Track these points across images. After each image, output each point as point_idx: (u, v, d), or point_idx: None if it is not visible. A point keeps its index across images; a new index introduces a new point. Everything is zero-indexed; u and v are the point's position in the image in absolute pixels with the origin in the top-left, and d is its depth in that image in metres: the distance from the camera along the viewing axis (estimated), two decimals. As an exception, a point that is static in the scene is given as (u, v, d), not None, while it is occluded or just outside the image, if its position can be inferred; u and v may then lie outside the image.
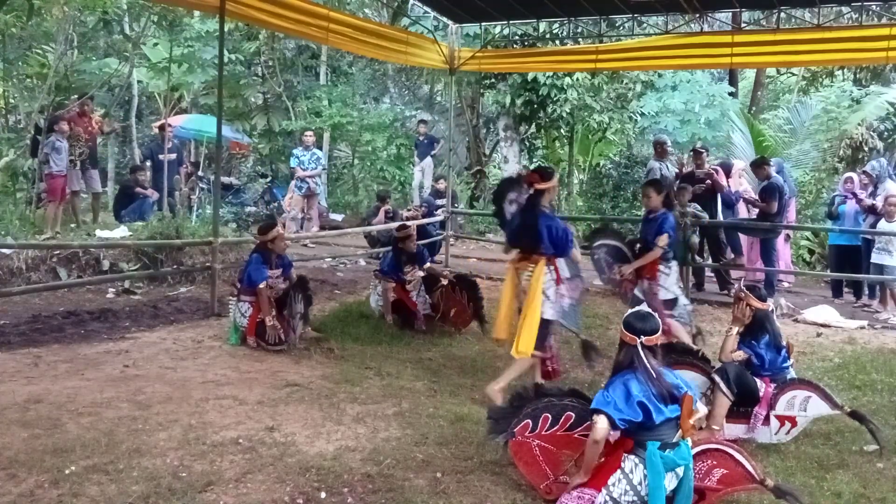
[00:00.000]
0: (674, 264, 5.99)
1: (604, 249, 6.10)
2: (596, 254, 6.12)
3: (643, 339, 3.28)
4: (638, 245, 6.13)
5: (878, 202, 8.41)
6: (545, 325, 4.93)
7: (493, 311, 7.47)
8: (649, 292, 5.81)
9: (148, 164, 11.86)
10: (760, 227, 8.68)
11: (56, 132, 9.54)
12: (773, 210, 8.33)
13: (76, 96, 11.54)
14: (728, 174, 9.33)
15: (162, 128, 11.94)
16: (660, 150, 9.51)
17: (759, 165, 8.65)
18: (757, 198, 8.67)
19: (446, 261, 10.36)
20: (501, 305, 5.15)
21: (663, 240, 5.78)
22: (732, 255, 9.14)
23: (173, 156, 11.55)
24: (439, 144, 13.93)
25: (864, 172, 8.99)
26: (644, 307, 3.52)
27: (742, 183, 9.72)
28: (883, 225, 8.15)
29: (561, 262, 5.04)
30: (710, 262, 9.26)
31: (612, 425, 3.17)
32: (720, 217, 9.07)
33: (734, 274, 9.06)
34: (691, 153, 9.56)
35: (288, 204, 12.11)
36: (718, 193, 9.05)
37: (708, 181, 8.90)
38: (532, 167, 6.03)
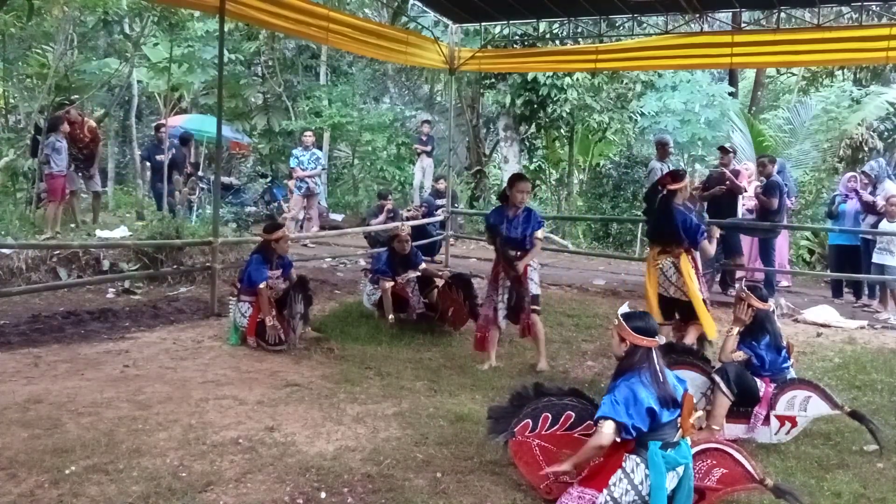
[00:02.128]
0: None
1: None
2: None
3: (658, 340, 3.29)
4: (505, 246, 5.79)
5: (879, 201, 8.43)
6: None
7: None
8: (519, 288, 5.64)
9: (147, 164, 11.87)
10: (760, 227, 8.68)
11: (56, 132, 9.56)
12: (774, 206, 8.33)
13: (76, 96, 11.55)
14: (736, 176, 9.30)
15: (157, 129, 11.97)
16: (662, 151, 9.49)
17: (764, 163, 8.61)
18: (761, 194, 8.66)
19: (446, 261, 10.37)
20: (647, 296, 5.59)
21: (542, 233, 5.82)
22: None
23: (170, 154, 11.58)
24: (435, 147, 14.03)
25: (863, 172, 9.00)
26: (627, 306, 3.50)
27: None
28: (884, 225, 8.16)
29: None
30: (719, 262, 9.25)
31: (620, 431, 3.16)
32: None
33: (734, 273, 9.07)
34: (718, 151, 9.49)
35: (288, 205, 12.11)
36: (739, 195, 9.04)
37: (727, 182, 8.88)
38: (669, 172, 6.09)
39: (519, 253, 5.66)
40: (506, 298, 5.70)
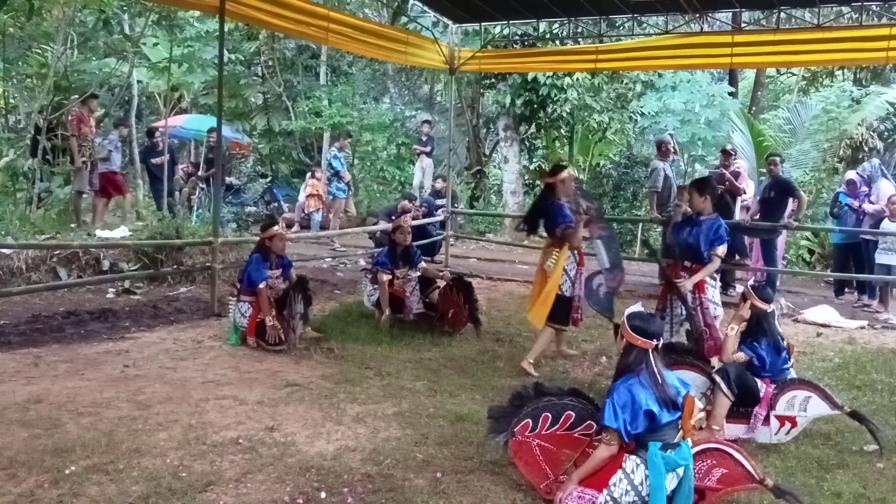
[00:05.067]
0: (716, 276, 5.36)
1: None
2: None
3: (656, 342, 3.28)
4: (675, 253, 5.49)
5: (868, 207, 8.50)
6: (566, 302, 5.61)
7: (493, 311, 7.54)
8: (698, 307, 5.10)
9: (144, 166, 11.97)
10: (760, 227, 8.68)
11: (114, 132, 10.32)
12: (806, 199, 8.45)
13: (76, 96, 11.54)
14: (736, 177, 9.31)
15: (150, 134, 12.05)
16: (664, 150, 9.47)
17: (776, 161, 8.60)
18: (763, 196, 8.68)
19: (446, 261, 10.36)
20: (533, 288, 5.83)
21: (722, 250, 5.07)
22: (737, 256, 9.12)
23: (166, 157, 11.63)
24: (435, 147, 14.03)
25: (858, 174, 9.02)
26: (639, 307, 3.49)
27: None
28: (885, 225, 8.17)
29: (601, 252, 5.64)
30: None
31: (620, 436, 3.19)
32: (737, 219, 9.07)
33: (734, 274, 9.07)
34: (721, 154, 9.53)
35: (328, 208, 12.26)
36: (738, 197, 9.05)
37: (726, 182, 8.88)
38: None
39: (691, 265, 5.15)
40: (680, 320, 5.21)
